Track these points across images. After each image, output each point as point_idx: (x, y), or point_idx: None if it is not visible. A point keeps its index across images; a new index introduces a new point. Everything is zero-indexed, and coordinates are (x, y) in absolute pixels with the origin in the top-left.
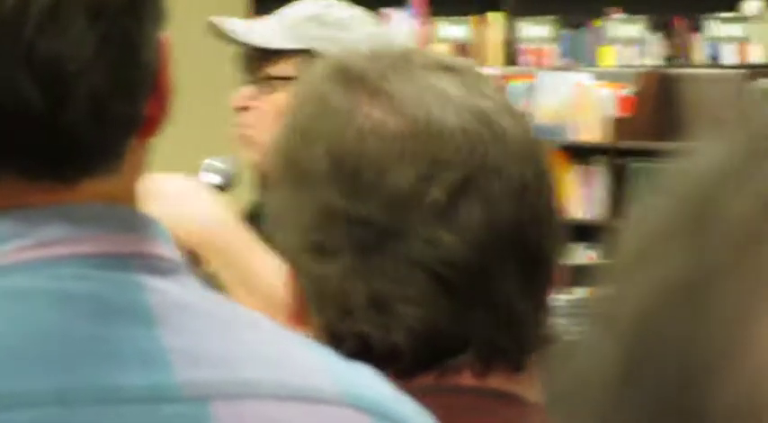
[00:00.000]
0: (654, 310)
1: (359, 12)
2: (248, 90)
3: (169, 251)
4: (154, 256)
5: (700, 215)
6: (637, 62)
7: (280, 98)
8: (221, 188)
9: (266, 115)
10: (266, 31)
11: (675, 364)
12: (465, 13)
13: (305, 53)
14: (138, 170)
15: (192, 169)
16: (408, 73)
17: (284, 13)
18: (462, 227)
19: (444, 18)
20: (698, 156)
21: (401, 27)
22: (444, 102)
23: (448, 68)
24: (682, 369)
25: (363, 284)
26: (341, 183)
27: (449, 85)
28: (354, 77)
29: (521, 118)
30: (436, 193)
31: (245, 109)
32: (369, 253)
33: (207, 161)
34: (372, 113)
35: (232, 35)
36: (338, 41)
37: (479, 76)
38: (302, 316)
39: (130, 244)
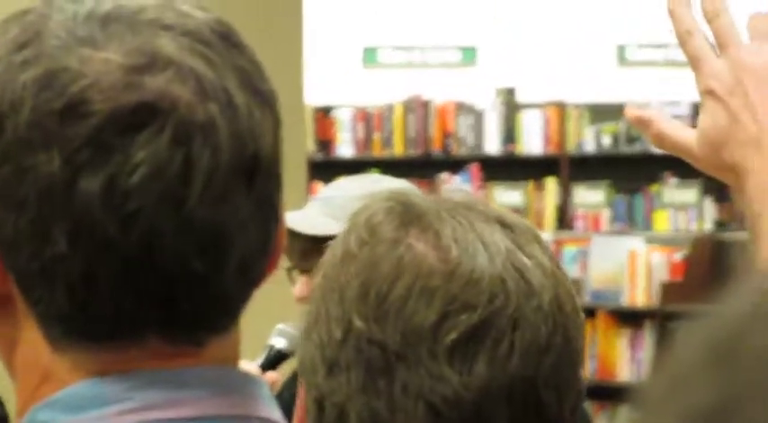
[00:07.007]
0: None
1: (384, 177)
2: (306, 279)
3: (270, 411)
4: (254, 417)
5: (725, 349)
6: (691, 226)
7: None
8: (288, 354)
9: None
10: (320, 219)
11: None
12: (520, 179)
13: None
14: (239, 327)
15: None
16: (465, 219)
17: (327, 197)
18: (468, 370)
19: (500, 183)
20: (724, 303)
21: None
22: (486, 250)
23: (504, 224)
24: None
25: (364, 404)
26: (366, 305)
27: (499, 238)
28: (413, 214)
29: (563, 283)
30: (452, 333)
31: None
32: (376, 375)
33: (279, 326)
34: (415, 246)
35: (294, 228)
36: None
37: (534, 237)
38: None
39: (232, 406)
